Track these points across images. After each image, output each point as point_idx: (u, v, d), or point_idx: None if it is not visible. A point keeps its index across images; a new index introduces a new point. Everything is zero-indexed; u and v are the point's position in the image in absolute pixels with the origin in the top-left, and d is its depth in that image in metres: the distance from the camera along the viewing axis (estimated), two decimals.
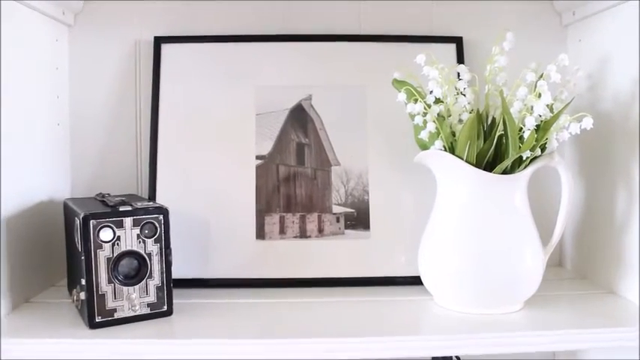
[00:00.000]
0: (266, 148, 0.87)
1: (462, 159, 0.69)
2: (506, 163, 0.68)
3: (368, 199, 0.87)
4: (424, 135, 0.71)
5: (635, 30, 0.76)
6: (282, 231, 0.86)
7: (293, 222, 0.86)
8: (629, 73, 0.78)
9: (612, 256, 0.81)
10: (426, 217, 0.77)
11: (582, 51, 0.89)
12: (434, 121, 0.70)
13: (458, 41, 0.90)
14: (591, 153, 0.85)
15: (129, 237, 0.68)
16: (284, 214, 0.86)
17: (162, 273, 0.70)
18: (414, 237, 0.79)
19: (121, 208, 0.69)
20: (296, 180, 0.87)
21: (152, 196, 0.85)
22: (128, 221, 0.68)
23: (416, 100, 0.71)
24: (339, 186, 0.87)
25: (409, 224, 0.85)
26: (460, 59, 0.89)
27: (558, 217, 0.74)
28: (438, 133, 0.71)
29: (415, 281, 0.79)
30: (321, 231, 0.86)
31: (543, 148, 0.71)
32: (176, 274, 0.73)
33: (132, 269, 0.69)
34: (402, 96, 0.71)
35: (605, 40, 0.83)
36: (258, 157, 0.87)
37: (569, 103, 0.68)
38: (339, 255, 0.85)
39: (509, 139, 0.68)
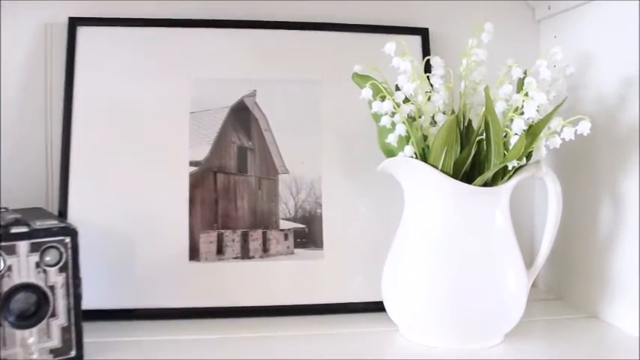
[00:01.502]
0: (202, 152, 0.75)
1: (437, 168, 0.59)
2: (489, 173, 0.58)
3: (321, 213, 0.75)
4: (392, 139, 0.60)
5: (623, 25, 0.68)
6: (221, 251, 0.74)
7: (233, 240, 0.74)
8: (614, 72, 0.70)
9: (594, 277, 0.74)
10: (389, 235, 0.67)
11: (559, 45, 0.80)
12: (404, 123, 0.59)
13: (424, 33, 0.80)
14: (571, 160, 0.76)
15: (24, 266, 0.54)
16: (222, 231, 0.74)
17: (69, 310, 0.57)
18: (376, 257, 0.69)
19: (14, 230, 0.54)
20: (237, 190, 0.75)
21: (63, 211, 0.71)
22: (23, 246, 0.54)
23: (383, 98, 0.59)
24: (287, 197, 0.75)
25: (370, 242, 0.75)
26: (426, 53, 0.79)
27: (544, 235, 0.64)
28: (408, 137, 0.60)
29: (377, 307, 0.69)
30: (266, 250, 0.74)
31: (528, 156, 0.61)
32: (91, 304, 0.62)
33: (28, 307, 0.55)
34: (367, 92, 0.60)
35: (585, 37, 0.75)
36: (192, 164, 0.74)
37: (560, 105, 0.58)
38: (288, 278, 0.74)
39: (492, 145, 0.58)
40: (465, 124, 0.64)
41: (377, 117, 0.61)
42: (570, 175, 0.75)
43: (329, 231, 0.75)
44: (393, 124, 0.60)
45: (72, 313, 0.57)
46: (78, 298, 0.57)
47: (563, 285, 0.81)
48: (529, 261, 0.66)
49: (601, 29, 0.73)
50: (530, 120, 0.56)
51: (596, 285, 0.73)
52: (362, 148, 0.75)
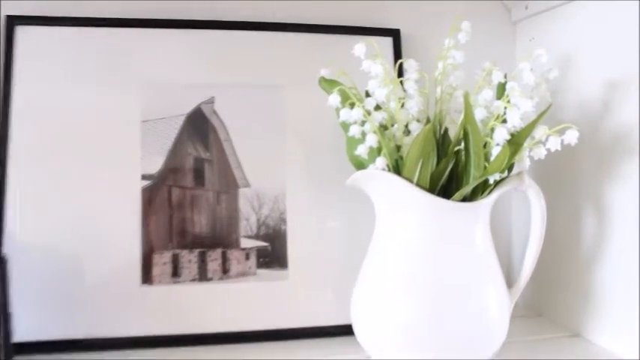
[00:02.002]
0: (155, 165, 0.68)
1: (412, 182, 0.53)
2: (468, 188, 0.53)
3: (286, 230, 0.69)
4: (362, 150, 0.54)
5: (604, 26, 0.64)
6: (176, 273, 0.67)
7: (190, 261, 0.67)
8: (596, 76, 0.66)
9: (577, 293, 0.70)
10: (359, 253, 0.61)
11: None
12: (375, 133, 0.53)
13: (395, 34, 0.75)
14: (551, 170, 0.72)
15: None
16: (178, 250, 0.67)
17: None
18: (346, 277, 0.63)
19: None
20: (194, 206, 0.68)
21: None
22: None
23: (352, 105, 0.54)
24: (249, 213, 0.69)
25: (339, 261, 0.70)
26: (398, 56, 0.73)
27: (527, 253, 0.60)
28: (380, 148, 0.54)
29: (348, 331, 0.62)
30: (226, 272, 0.68)
31: (510, 167, 0.56)
32: (30, 336, 0.60)
33: None
34: (334, 99, 0.54)
35: (565, 39, 0.71)
36: (144, 177, 0.67)
37: (545, 112, 0.53)
38: (250, 302, 0.68)
39: (472, 156, 0.53)
40: (442, 132, 0.59)
41: (345, 126, 0.55)
42: (551, 186, 0.71)
43: (294, 249, 0.69)
44: (363, 134, 0.54)
45: (1, 352, 0.50)
46: (7, 335, 0.50)
47: (544, 301, 0.76)
48: (508, 279, 0.61)
49: (581, 31, 0.69)
50: (513, 129, 0.51)
51: (579, 301, 0.69)
52: (330, 159, 0.70)
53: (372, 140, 0.53)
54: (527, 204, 0.60)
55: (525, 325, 0.74)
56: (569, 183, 0.70)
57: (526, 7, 0.77)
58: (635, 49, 0.60)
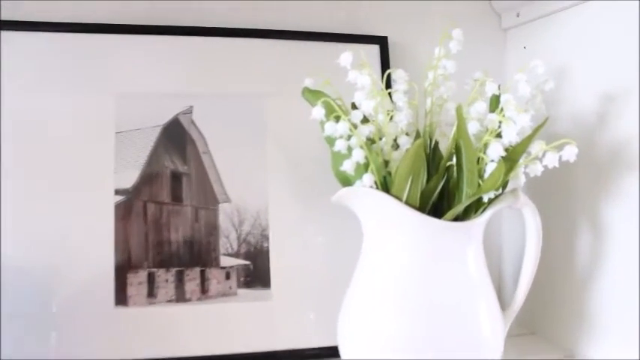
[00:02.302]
0: (129, 179, 0.64)
1: (401, 200, 0.50)
2: (461, 207, 0.50)
3: (268, 247, 0.66)
4: (348, 166, 0.51)
5: (600, 35, 0.61)
6: (152, 293, 0.63)
7: (167, 281, 0.64)
8: (592, 88, 0.63)
9: (572, 312, 0.68)
10: (346, 272, 0.58)
11: (527, 60, 0.73)
12: (362, 148, 0.50)
13: (382, 42, 0.71)
14: (545, 186, 0.68)
15: None
16: (154, 270, 0.64)
17: None
18: (331, 298, 0.60)
19: None
20: (171, 223, 0.65)
21: None
22: None
23: (338, 118, 0.50)
24: (229, 230, 0.65)
25: (324, 280, 0.67)
26: (385, 64, 0.70)
27: (522, 273, 0.57)
28: (367, 164, 0.51)
29: (333, 353, 0.60)
30: (205, 292, 0.65)
31: (504, 184, 0.53)
32: (3, 356, 0.57)
33: None
34: (318, 111, 0.51)
35: (558, 48, 0.68)
36: (118, 192, 0.64)
37: (541, 126, 0.50)
38: (231, 324, 0.65)
39: (465, 172, 0.50)
40: (432, 146, 0.56)
41: (330, 140, 0.52)
42: (545, 201, 0.67)
43: (277, 268, 0.66)
44: (350, 149, 0.51)
45: None
46: None
47: (538, 319, 0.73)
48: (499, 299, 0.58)
49: (575, 40, 0.66)
50: (510, 144, 0.48)
51: (575, 320, 0.67)
52: (315, 171, 0.67)
53: (358, 155, 0.50)
54: (519, 219, 0.57)
55: (519, 345, 0.71)
56: (564, 199, 0.67)
57: (517, 15, 0.74)
58: (632, 60, 0.57)
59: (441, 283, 0.52)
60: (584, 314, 0.65)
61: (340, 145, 0.51)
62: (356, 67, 0.51)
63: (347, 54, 0.50)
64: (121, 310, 0.63)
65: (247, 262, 0.66)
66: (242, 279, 0.66)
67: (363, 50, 0.54)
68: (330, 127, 0.50)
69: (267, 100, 0.68)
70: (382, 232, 0.53)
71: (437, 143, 0.56)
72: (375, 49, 0.71)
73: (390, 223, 0.52)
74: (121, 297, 0.63)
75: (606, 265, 0.62)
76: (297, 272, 0.66)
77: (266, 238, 0.66)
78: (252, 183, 0.67)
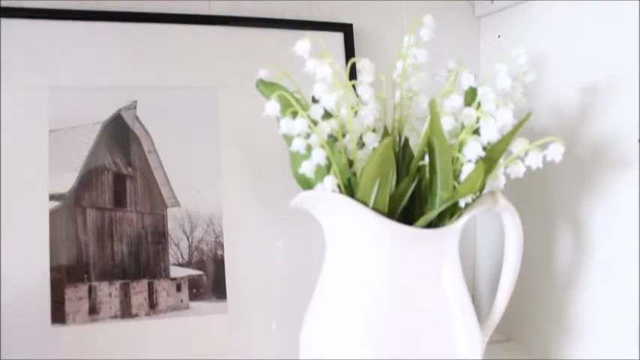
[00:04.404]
0: (66, 182, 0.58)
1: (368, 206, 0.44)
2: (435, 212, 0.45)
3: (223, 255, 0.60)
4: (308, 168, 0.45)
5: (581, 23, 0.56)
6: (94, 309, 0.57)
7: (110, 295, 0.58)
8: (573, 80, 0.58)
9: (551, 317, 0.64)
10: (309, 281, 0.52)
11: (502, 50, 0.68)
12: (323, 147, 0.44)
13: (347, 30, 0.66)
14: (522, 186, 0.64)
15: None
16: (96, 283, 0.57)
17: None
18: (292, 309, 0.55)
19: None
20: (114, 231, 0.58)
21: None
22: None
23: (295, 114, 0.44)
24: (179, 237, 0.59)
25: (284, 291, 0.61)
26: (350, 55, 0.65)
27: (501, 282, 0.52)
28: (329, 166, 0.45)
29: None
30: (153, 306, 0.58)
31: (481, 187, 0.48)
32: None
33: None
34: (272, 106, 0.45)
35: (535, 37, 0.64)
36: (53, 197, 0.57)
37: (523, 121, 0.45)
38: (184, 340, 0.59)
39: (438, 174, 0.44)
40: (401, 144, 0.50)
41: (288, 139, 0.46)
42: (523, 201, 0.63)
43: (234, 277, 0.60)
44: (309, 148, 0.45)
45: None
46: None
47: (516, 324, 0.69)
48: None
49: (555, 28, 0.61)
50: (489, 143, 0.43)
51: (553, 326, 0.62)
52: (275, 172, 0.61)
53: (318, 156, 0.44)
54: (495, 221, 0.52)
55: (494, 353, 0.66)
56: (543, 198, 0.63)
57: (492, 2, 0.69)
58: (619, 49, 0.53)
59: (412, 297, 0.47)
60: (563, 320, 0.61)
61: (298, 145, 0.45)
62: (315, 57, 0.45)
63: (304, 41, 0.44)
64: (59, 328, 0.56)
65: (200, 272, 0.60)
66: (194, 291, 0.59)
67: (324, 38, 0.48)
68: (287, 125, 0.44)
69: (219, 93, 0.62)
70: (347, 240, 0.48)
71: (407, 140, 0.51)
72: (338, 38, 0.65)
73: (355, 231, 0.47)
74: (59, 314, 0.56)
75: (587, 269, 0.58)
76: (255, 281, 0.61)
77: (220, 245, 0.60)
78: (205, 185, 0.60)
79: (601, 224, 0.56)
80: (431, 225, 0.47)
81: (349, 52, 0.65)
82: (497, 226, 0.53)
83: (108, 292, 0.58)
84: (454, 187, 0.44)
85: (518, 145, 0.44)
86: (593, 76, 0.56)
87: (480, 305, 0.74)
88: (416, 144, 0.50)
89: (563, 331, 0.61)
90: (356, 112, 0.47)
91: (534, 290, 0.65)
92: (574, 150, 0.58)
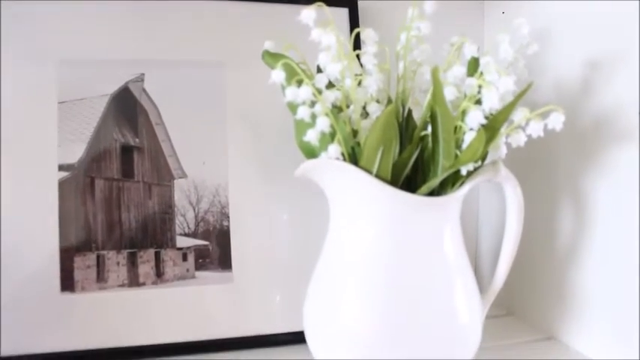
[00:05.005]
0: (75, 153, 0.59)
1: (371, 173, 0.45)
2: (437, 180, 0.45)
3: (228, 226, 0.61)
4: (312, 136, 0.46)
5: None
6: (102, 278, 0.58)
7: (118, 264, 0.59)
8: (575, 54, 0.59)
9: (552, 291, 0.64)
10: (313, 251, 0.53)
11: (506, 26, 0.69)
12: (327, 115, 0.45)
13: (352, 4, 0.66)
14: (524, 159, 0.65)
15: None
16: (103, 252, 0.58)
17: None
18: (296, 279, 0.57)
19: None
20: (121, 201, 0.59)
21: None
22: None
23: (300, 82, 0.45)
24: (185, 208, 0.60)
25: (288, 261, 0.62)
26: (354, 29, 0.65)
27: (502, 253, 0.53)
28: (334, 134, 0.46)
29: (298, 339, 0.56)
30: (160, 275, 0.60)
31: (484, 156, 0.49)
32: None
33: None
34: (278, 75, 0.45)
35: (540, 12, 0.64)
36: (62, 168, 0.58)
37: (525, 91, 0.46)
38: (189, 309, 0.60)
39: (441, 143, 0.45)
40: (405, 115, 0.51)
41: (293, 107, 0.47)
42: (525, 174, 0.63)
43: (239, 248, 0.61)
44: (314, 117, 0.46)
45: None
46: None
47: (516, 298, 0.70)
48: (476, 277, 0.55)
49: (557, 4, 0.61)
50: (490, 112, 0.44)
51: (554, 300, 0.63)
52: (279, 144, 0.62)
53: (323, 124, 0.45)
54: (497, 193, 0.53)
55: (496, 327, 0.68)
56: (546, 171, 0.63)
57: None
58: (620, 25, 0.53)
59: (414, 263, 0.48)
60: (565, 294, 0.62)
61: (303, 113, 0.46)
62: (320, 26, 0.46)
63: (309, 10, 0.45)
64: (68, 296, 0.57)
65: (206, 243, 0.61)
66: (200, 261, 0.61)
67: (330, 13, 0.48)
68: (292, 93, 0.45)
69: (227, 66, 0.62)
70: (350, 209, 0.49)
71: (410, 111, 0.52)
72: (343, 13, 0.66)
73: (358, 199, 0.48)
74: (68, 282, 0.57)
75: (589, 243, 0.59)
76: (260, 252, 0.62)
77: (226, 216, 0.61)
78: (211, 157, 0.61)
79: (602, 197, 0.57)
80: (433, 193, 0.47)
81: (354, 27, 0.65)
82: (500, 198, 0.53)
83: (116, 261, 0.59)
84: (456, 156, 0.45)
85: (519, 114, 0.45)
86: (595, 51, 0.56)
87: (482, 275, 0.74)
88: (419, 117, 0.51)
89: (563, 306, 0.62)
90: (360, 82, 0.48)
91: (535, 264, 0.66)
92: (576, 123, 0.58)
